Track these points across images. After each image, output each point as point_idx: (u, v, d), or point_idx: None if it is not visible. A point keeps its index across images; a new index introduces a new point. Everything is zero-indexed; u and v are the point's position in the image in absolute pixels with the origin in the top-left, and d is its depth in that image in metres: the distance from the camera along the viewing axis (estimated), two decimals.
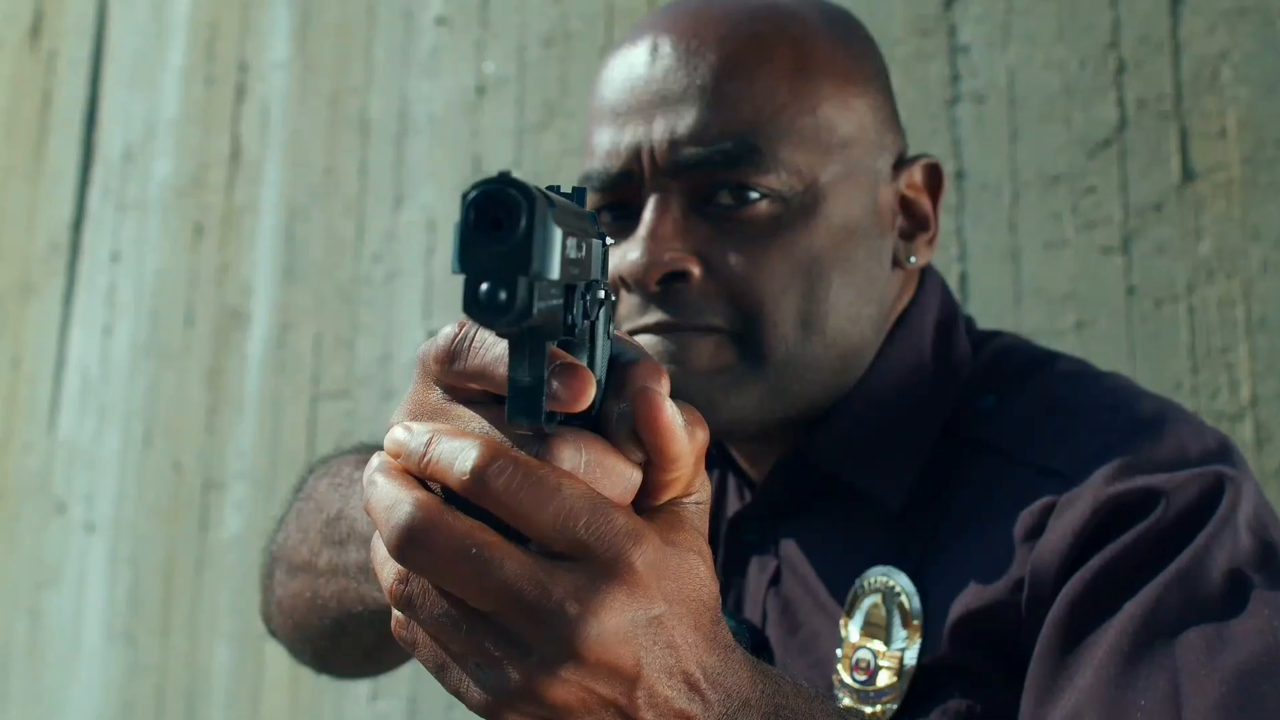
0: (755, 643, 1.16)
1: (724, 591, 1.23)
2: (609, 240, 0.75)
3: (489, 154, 2.82)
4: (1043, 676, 0.97)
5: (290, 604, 1.27)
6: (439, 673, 0.72)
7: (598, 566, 0.66)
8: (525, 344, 0.65)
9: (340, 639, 1.22)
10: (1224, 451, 1.06)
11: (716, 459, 1.28)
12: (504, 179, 0.58)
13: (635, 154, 1.13)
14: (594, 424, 0.70)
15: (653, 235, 1.11)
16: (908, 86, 2.13)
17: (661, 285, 1.11)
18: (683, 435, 0.69)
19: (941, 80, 2.11)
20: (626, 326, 1.13)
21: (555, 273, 0.60)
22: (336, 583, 1.16)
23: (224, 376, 3.43)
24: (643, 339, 1.12)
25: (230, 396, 3.40)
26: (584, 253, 0.66)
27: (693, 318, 1.10)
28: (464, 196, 0.58)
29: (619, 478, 0.69)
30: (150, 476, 3.59)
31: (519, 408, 0.65)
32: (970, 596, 1.04)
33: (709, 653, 0.72)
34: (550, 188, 0.68)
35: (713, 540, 1.25)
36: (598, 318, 0.71)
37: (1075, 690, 0.94)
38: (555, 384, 0.65)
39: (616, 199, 1.16)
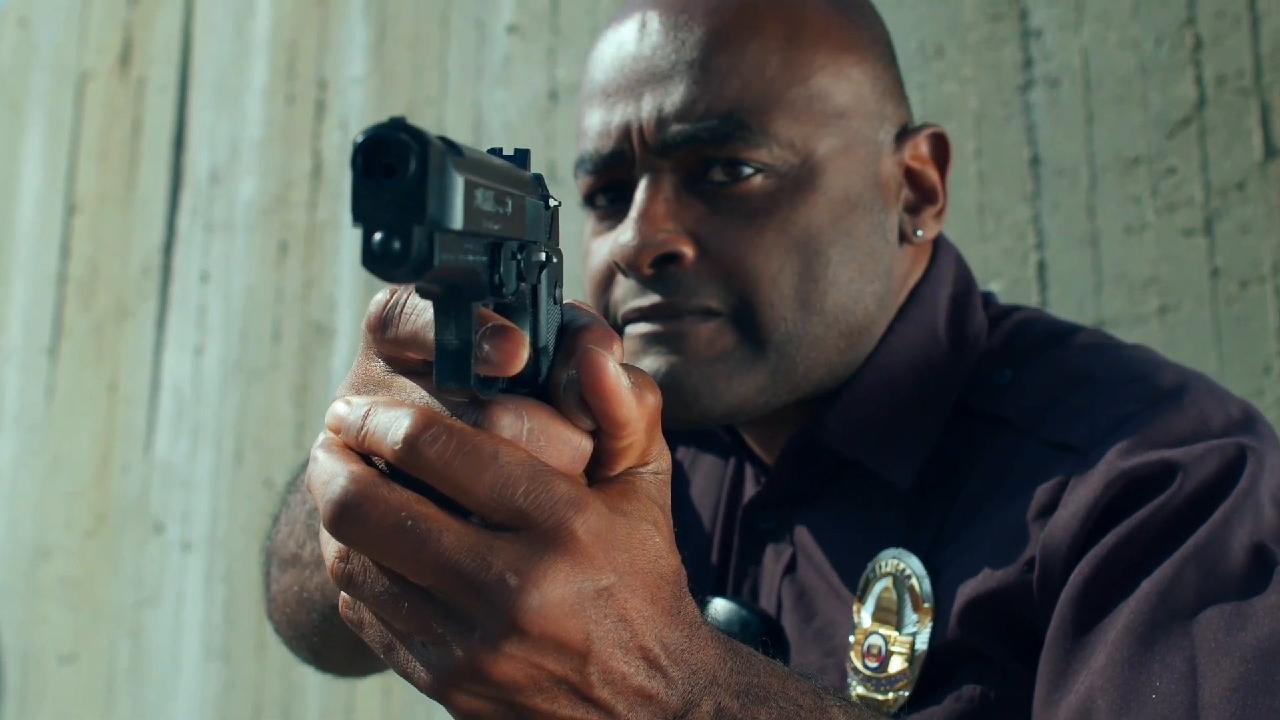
0: (769, 632, 1.13)
1: (739, 580, 1.19)
2: (552, 201, 0.71)
3: (564, 159, 2.81)
4: (1056, 659, 0.93)
5: (282, 599, 1.25)
6: (386, 654, 0.69)
7: (537, 536, 0.63)
8: (449, 305, 0.62)
9: (330, 633, 1.20)
10: (1248, 422, 1.01)
11: (731, 446, 1.25)
12: (395, 123, 0.56)
13: (625, 134, 1.09)
14: (543, 393, 0.67)
15: (644, 216, 1.07)
16: (980, 73, 2.08)
17: (655, 268, 1.07)
18: (629, 398, 0.66)
19: (1014, 65, 2.06)
20: (621, 311, 1.10)
21: (457, 222, 0.57)
22: (320, 574, 1.14)
23: (311, 392, 3.45)
24: (638, 326, 1.09)
25: (318, 411, 3.41)
26: (507, 208, 0.63)
27: (687, 299, 1.07)
28: (354, 143, 0.56)
29: (566, 446, 0.66)
30: (242, 494, 3.62)
31: (446, 371, 0.62)
32: (981, 578, 1.00)
33: (669, 628, 0.68)
34: (492, 150, 0.66)
35: (728, 528, 1.22)
36: (539, 281, 0.68)
37: (1089, 672, 0.90)
38: (486, 347, 0.62)
39: (610, 181, 1.12)
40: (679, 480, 1.29)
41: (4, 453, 5.22)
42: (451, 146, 0.58)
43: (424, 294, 0.63)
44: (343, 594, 0.70)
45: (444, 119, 3.16)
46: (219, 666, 3.61)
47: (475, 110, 3.07)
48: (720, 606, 1.14)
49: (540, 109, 2.90)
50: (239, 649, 3.53)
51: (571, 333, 0.68)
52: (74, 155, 4.84)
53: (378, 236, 0.55)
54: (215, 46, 4.12)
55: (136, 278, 4.30)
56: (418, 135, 0.55)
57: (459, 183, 0.57)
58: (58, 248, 4.87)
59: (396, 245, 0.55)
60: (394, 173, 0.55)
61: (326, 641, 1.24)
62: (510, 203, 0.64)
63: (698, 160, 1.08)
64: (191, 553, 3.80)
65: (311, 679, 3.25)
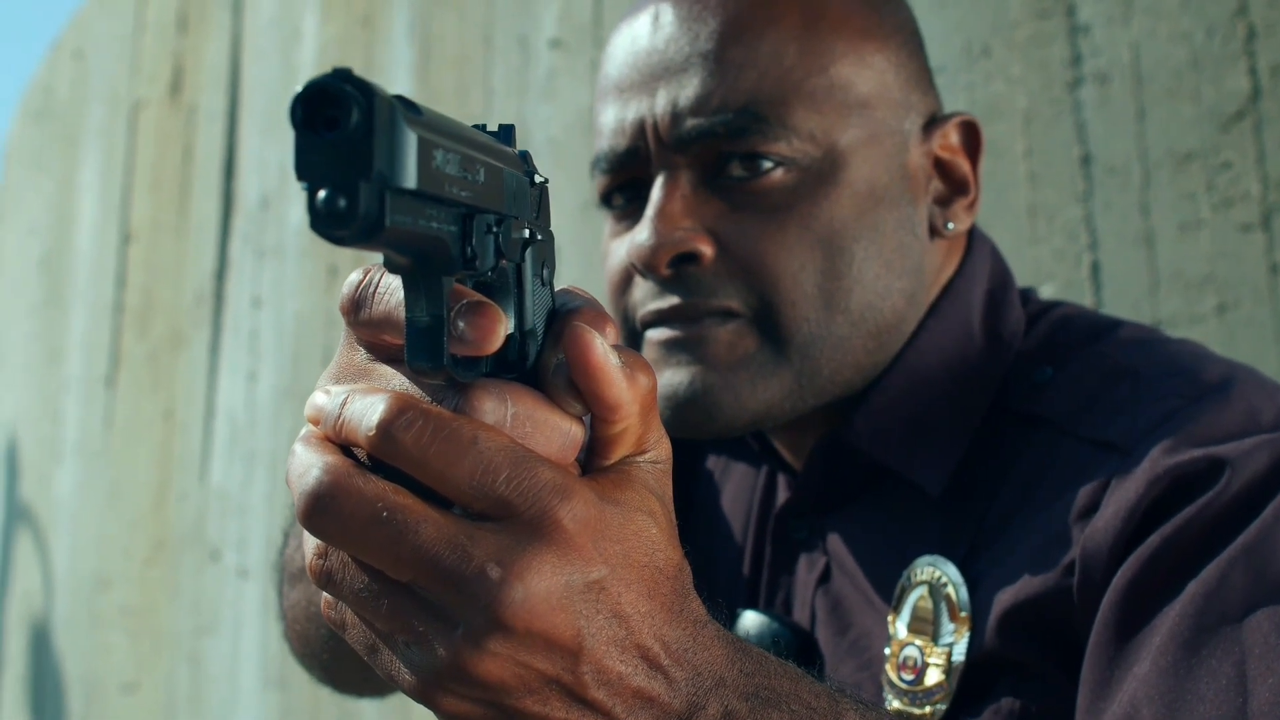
0: (802, 645, 1.08)
1: (772, 592, 1.15)
2: (538, 178, 0.68)
3: None
4: (1098, 667, 0.88)
5: (293, 615, 1.22)
6: (370, 656, 0.65)
7: (521, 525, 0.59)
8: (418, 279, 0.59)
9: (338, 649, 1.16)
10: None
11: (762, 454, 1.20)
12: (338, 73, 0.52)
13: (640, 130, 1.05)
14: (532, 379, 0.64)
15: (660, 215, 1.03)
16: (1028, 71, 2.02)
17: (673, 268, 1.03)
18: (619, 378, 0.62)
19: (1063, 62, 2.00)
20: (640, 314, 1.06)
21: (410, 180, 0.53)
22: None
23: None
24: (658, 332, 1.05)
25: None
26: (477, 176, 0.59)
27: (707, 300, 1.02)
28: (293, 94, 0.52)
29: (554, 432, 0.62)
30: None
31: (418, 350, 0.59)
32: (1020, 585, 0.95)
33: (670, 625, 0.64)
34: (477, 126, 0.63)
35: (759, 538, 1.18)
36: (523, 260, 0.64)
37: (1133, 680, 0.85)
38: (460, 324, 0.59)
39: (627, 179, 1.08)
40: (711, 490, 1.25)
41: (66, 483, 5.25)
42: (408, 104, 0.54)
43: (391, 267, 0.60)
44: (324, 594, 0.66)
45: None
46: (276, 694, 3.59)
47: (521, 126, 3.04)
48: (751, 619, 1.10)
49: (585, 123, 2.86)
50: (296, 677, 3.51)
51: (562, 315, 0.64)
52: (128, 184, 4.87)
53: (322, 194, 0.51)
54: (263, 73, 4.12)
55: (190, 305, 4.30)
56: (362, 85, 0.51)
57: (411, 138, 0.53)
58: (113, 277, 4.89)
59: (342, 203, 0.51)
60: (337, 125, 0.51)
61: (335, 659, 1.21)
62: (482, 171, 0.60)
63: (715, 155, 1.04)
64: (248, 580, 3.79)
65: (368, 707, 3.22)
